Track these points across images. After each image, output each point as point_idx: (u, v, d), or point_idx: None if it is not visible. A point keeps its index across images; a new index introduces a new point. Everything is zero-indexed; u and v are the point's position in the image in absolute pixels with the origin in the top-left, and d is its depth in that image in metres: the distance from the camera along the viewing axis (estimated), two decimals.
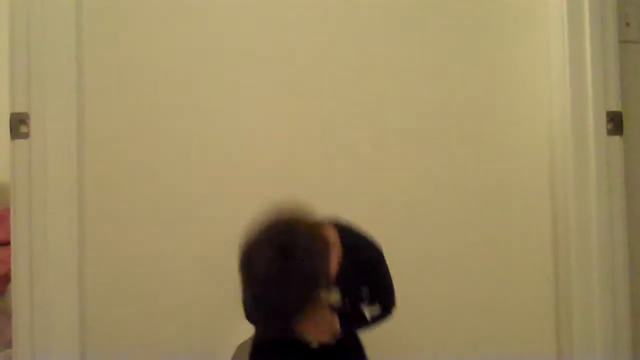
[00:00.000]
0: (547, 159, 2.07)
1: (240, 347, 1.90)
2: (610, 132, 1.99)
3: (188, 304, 1.95)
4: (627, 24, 2.09)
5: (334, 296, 1.59)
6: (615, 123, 1.99)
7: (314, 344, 1.62)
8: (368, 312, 1.63)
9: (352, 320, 1.62)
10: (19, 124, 1.82)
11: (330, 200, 1.73)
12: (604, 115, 1.98)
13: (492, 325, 2.05)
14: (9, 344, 1.83)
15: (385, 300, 1.65)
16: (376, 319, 1.65)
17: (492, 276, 2.06)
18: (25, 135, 1.82)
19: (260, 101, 1.98)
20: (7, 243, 1.82)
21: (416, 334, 2.00)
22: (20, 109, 1.83)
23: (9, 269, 1.83)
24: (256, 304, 1.50)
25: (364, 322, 1.63)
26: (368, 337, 1.71)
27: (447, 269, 2.04)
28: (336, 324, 1.59)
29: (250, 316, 1.63)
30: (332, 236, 1.56)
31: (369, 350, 1.73)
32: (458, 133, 2.06)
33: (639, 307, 2.05)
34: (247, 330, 1.77)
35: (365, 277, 1.63)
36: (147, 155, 1.95)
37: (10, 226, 1.83)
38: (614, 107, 1.99)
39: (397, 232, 1.97)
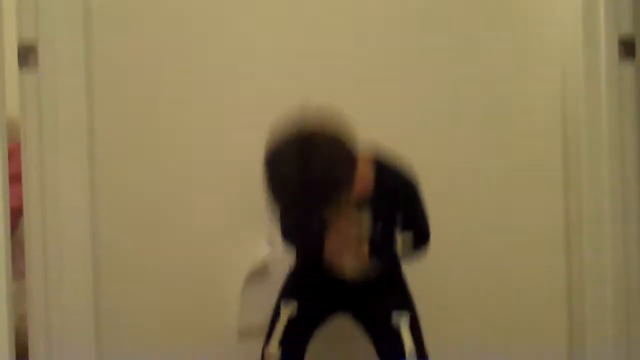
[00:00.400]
0: (558, 84, 2.07)
1: (250, 275, 1.93)
2: (622, 57, 1.97)
3: (201, 231, 1.96)
4: None
5: (365, 216, 1.61)
6: (627, 47, 1.97)
7: (347, 276, 1.64)
8: (401, 238, 1.64)
9: (384, 246, 1.64)
10: (27, 54, 1.80)
11: None
12: (616, 39, 1.96)
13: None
14: (22, 275, 1.84)
15: (418, 228, 1.68)
16: (410, 249, 1.67)
17: (504, 211, 2.08)
18: (34, 65, 1.80)
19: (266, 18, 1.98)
20: (18, 177, 1.82)
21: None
22: (28, 34, 1.80)
23: (21, 203, 1.84)
24: (279, 205, 1.50)
25: (395, 250, 1.66)
26: None
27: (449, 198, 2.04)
28: (366, 249, 1.62)
29: (282, 232, 1.69)
30: (364, 155, 1.56)
31: None
32: (469, 54, 2.05)
33: None
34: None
35: (400, 205, 1.65)
36: (157, 83, 1.95)
37: (21, 161, 1.82)
38: (627, 29, 1.97)
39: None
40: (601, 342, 1.98)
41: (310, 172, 1.41)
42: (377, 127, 1.73)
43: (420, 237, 1.67)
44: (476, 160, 2.05)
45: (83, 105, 1.86)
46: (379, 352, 1.71)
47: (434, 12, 2.03)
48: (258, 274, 1.94)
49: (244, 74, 1.97)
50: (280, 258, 1.94)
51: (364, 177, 1.56)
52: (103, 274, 1.90)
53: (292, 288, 1.74)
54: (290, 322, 1.69)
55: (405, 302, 1.72)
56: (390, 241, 1.65)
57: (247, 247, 1.95)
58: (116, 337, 1.93)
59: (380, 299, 1.69)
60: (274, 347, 1.66)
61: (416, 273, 1.78)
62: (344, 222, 1.59)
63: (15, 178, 1.74)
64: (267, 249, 1.94)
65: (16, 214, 1.77)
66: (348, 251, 1.62)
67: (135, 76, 1.93)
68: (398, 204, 1.64)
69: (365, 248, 1.62)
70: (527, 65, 2.07)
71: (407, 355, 1.64)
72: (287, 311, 1.70)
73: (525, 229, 2.07)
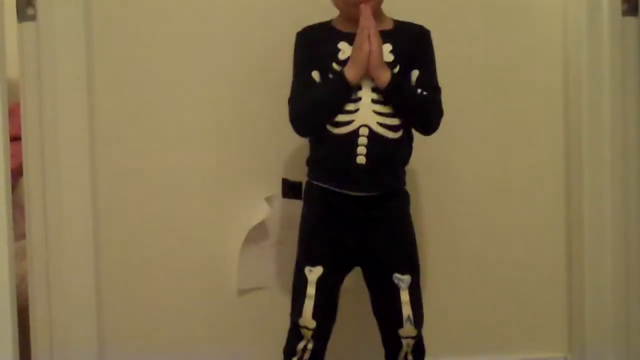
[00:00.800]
0: (560, 40, 2.05)
1: (249, 234, 1.94)
2: (625, 13, 1.94)
3: (199, 190, 1.97)
4: None
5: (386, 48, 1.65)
6: (631, 3, 1.94)
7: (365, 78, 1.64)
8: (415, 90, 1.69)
9: (403, 82, 1.67)
10: (26, 6, 1.78)
11: None
12: None
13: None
14: (22, 236, 1.85)
15: (430, 83, 1.71)
16: (421, 99, 1.69)
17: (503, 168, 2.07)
18: (33, 18, 1.78)
19: None
20: (17, 138, 1.81)
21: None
22: None
23: (21, 163, 1.84)
24: None
25: (411, 91, 1.68)
26: None
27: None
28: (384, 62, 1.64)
29: None
30: None
31: None
32: (470, 13, 2.03)
33: None
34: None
35: (417, 51, 1.71)
36: (160, 41, 1.93)
37: (20, 120, 1.82)
38: None
39: None
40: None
41: None
42: None
43: (432, 92, 1.70)
44: (475, 120, 2.04)
45: (83, 62, 1.83)
46: (376, 313, 1.74)
47: None
48: (257, 234, 1.94)
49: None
50: (279, 217, 1.96)
51: None
52: (103, 234, 1.91)
53: (313, 249, 1.71)
54: (318, 288, 1.68)
55: (409, 261, 1.72)
56: (408, 81, 1.69)
57: (246, 207, 1.95)
58: (117, 296, 1.94)
59: (387, 253, 1.69)
60: (308, 319, 1.66)
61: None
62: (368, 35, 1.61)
63: (14, 138, 1.75)
64: (266, 207, 1.94)
65: (15, 174, 1.77)
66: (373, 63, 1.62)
67: (136, 34, 1.91)
68: (417, 52, 1.70)
69: (385, 64, 1.64)
70: (529, 23, 2.04)
71: (403, 320, 1.66)
72: (314, 277, 1.68)
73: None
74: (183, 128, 1.94)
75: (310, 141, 1.75)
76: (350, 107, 1.64)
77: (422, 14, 1.77)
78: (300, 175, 1.83)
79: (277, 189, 1.94)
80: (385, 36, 1.67)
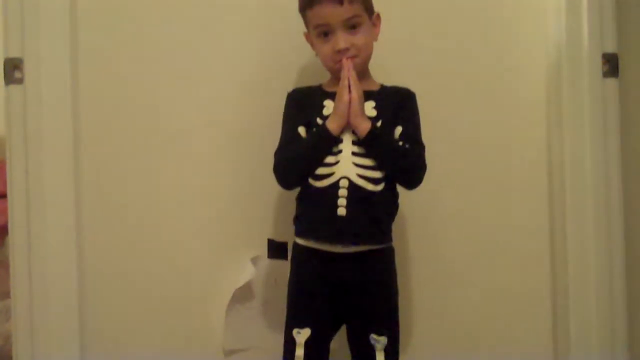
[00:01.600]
0: (543, 101, 2.06)
1: (235, 295, 1.93)
2: (606, 75, 1.97)
3: (186, 253, 1.97)
4: None
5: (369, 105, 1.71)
6: (611, 65, 1.97)
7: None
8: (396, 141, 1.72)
9: (384, 134, 1.70)
10: (13, 69, 1.82)
11: None
12: (600, 57, 1.96)
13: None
14: (7, 295, 1.84)
15: (413, 138, 1.73)
16: (402, 150, 1.70)
17: (489, 216, 2.07)
18: (20, 81, 1.82)
19: None
20: (4, 195, 1.83)
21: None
22: (14, 54, 1.82)
23: (7, 220, 1.84)
24: None
25: (391, 142, 1.71)
26: None
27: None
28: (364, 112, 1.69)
29: None
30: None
31: None
32: (453, 76, 2.04)
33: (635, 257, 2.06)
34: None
35: (401, 113, 1.74)
36: (144, 97, 1.94)
37: (6, 177, 1.83)
38: (610, 49, 1.97)
39: None
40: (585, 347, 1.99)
41: None
42: None
43: (415, 146, 1.73)
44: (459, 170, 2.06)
45: (69, 121, 1.86)
46: None
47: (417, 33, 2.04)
48: (243, 295, 1.93)
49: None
50: (265, 279, 1.95)
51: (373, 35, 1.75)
52: (89, 294, 1.90)
53: (300, 311, 1.71)
54: (307, 350, 1.68)
55: (387, 321, 1.72)
56: (389, 132, 1.72)
57: (232, 267, 1.95)
58: (101, 356, 1.91)
59: (366, 313, 1.69)
60: None
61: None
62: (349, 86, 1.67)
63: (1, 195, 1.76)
64: (251, 268, 1.94)
65: (2, 232, 1.78)
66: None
67: (122, 96, 1.93)
68: (400, 110, 1.74)
69: (364, 113, 1.69)
70: (512, 82, 2.06)
71: None
72: (301, 339, 1.69)
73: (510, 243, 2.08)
74: (169, 187, 1.95)
75: (296, 199, 1.77)
76: (330, 159, 1.68)
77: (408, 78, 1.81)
78: (286, 236, 1.84)
79: (263, 249, 1.95)
80: (370, 95, 1.72)
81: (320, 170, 1.68)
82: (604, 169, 1.97)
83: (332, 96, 1.73)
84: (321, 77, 1.82)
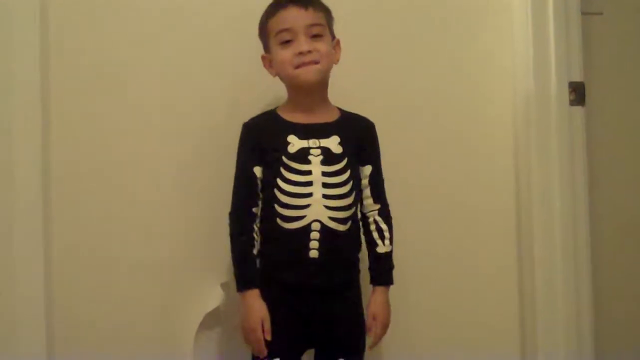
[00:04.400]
0: (510, 129, 2.09)
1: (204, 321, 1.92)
2: (573, 103, 2.01)
3: (153, 278, 1.94)
4: None
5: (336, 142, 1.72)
6: (578, 93, 2.01)
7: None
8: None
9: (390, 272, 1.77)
10: None
11: None
12: (567, 85, 2.00)
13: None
14: None
15: (380, 181, 1.78)
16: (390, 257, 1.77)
17: (457, 242, 2.09)
18: None
19: None
20: None
21: None
22: None
23: None
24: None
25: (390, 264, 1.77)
26: None
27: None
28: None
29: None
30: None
31: None
32: (420, 103, 2.06)
33: (601, 278, 2.10)
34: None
35: (365, 146, 1.77)
36: (114, 112, 1.92)
37: None
38: (577, 77, 2.01)
39: None
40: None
41: None
42: None
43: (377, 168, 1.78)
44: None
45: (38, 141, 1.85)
46: None
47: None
48: (212, 320, 1.92)
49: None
50: (234, 305, 1.94)
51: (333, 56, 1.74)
52: (57, 332, 1.87)
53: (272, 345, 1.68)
54: None
55: (356, 344, 1.74)
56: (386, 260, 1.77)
57: (201, 293, 1.93)
58: None
59: (336, 339, 1.70)
60: None
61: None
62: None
63: None
64: (220, 294, 1.92)
65: None
66: None
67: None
68: (364, 144, 1.76)
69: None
70: (479, 112, 2.09)
71: None
72: None
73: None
74: (138, 211, 1.93)
75: (258, 232, 1.73)
76: (301, 202, 1.66)
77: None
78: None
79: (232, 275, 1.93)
80: (332, 127, 1.72)
81: (289, 212, 1.67)
82: (570, 196, 2.01)
83: (295, 129, 1.70)
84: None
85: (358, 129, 1.77)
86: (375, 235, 1.76)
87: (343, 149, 1.71)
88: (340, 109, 1.79)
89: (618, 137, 2.20)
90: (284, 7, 1.69)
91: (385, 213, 1.79)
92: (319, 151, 1.69)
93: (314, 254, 1.65)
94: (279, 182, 1.68)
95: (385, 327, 1.74)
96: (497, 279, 2.10)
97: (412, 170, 2.03)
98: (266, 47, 1.76)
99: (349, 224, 1.70)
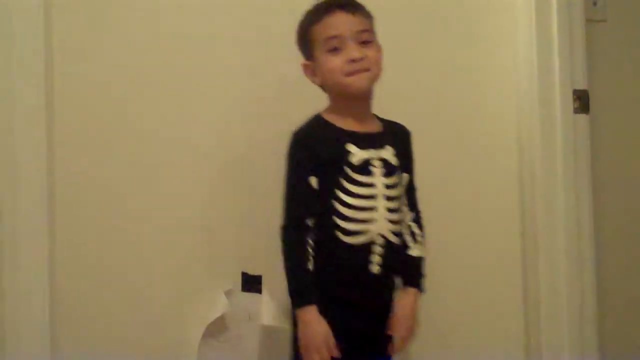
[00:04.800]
0: (514, 137, 2.09)
1: (208, 329, 1.91)
2: (577, 111, 2.02)
3: (159, 284, 1.93)
4: (594, 3, 2.13)
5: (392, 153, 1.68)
6: (582, 101, 2.02)
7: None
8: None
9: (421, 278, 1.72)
10: None
11: None
12: (571, 93, 2.01)
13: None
14: None
15: (415, 189, 1.76)
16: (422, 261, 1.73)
17: (462, 256, 2.08)
18: None
19: None
20: None
21: None
22: None
23: None
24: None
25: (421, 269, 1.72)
26: None
27: None
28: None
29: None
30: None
31: None
32: (424, 109, 2.05)
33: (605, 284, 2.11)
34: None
35: (407, 155, 1.74)
36: (118, 127, 1.90)
37: None
38: (581, 85, 2.02)
39: None
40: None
41: None
42: None
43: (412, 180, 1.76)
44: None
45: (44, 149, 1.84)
46: None
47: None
48: (216, 328, 1.92)
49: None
50: (238, 313, 1.94)
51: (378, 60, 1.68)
52: (60, 338, 1.85)
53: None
54: None
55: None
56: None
57: (205, 301, 1.93)
58: None
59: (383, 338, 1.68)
60: None
61: None
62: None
63: None
64: (225, 301, 1.92)
65: None
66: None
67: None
68: (407, 152, 1.73)
69: None
70: (484, 121, 2.09)
71: None
72: None
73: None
74: (141, 218, 1.92)
75: (314, 245, 1.63)
76: (365, 215, 1.62)
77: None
78: (260, 268, 1.83)
79: (237, 282, 1.93)
80: (384, 137, 1.68)
81: (352, 226, 1.61)
82: (575, 203, 2.01)
83: (353, 138, 1.64)
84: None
85: (403, 138, 1.73)
86: (409, 238, 1.72)
87: (398, 160, 1.67)
88: (377, 117, 1.74)
89: (622, 145, 2.21)
90: (331, 13, 1.64)
91: (419, 221, 1.75)
92: (380, 163, 1.64)
93: (375, 269, 1.61)
94: (340, 194, 1.61)
95: (410, 330, 1.69)
96: (501, 281, 2.10)
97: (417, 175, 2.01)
98: (308, 55, 1.69)
99: (400, 237, 1.68)
